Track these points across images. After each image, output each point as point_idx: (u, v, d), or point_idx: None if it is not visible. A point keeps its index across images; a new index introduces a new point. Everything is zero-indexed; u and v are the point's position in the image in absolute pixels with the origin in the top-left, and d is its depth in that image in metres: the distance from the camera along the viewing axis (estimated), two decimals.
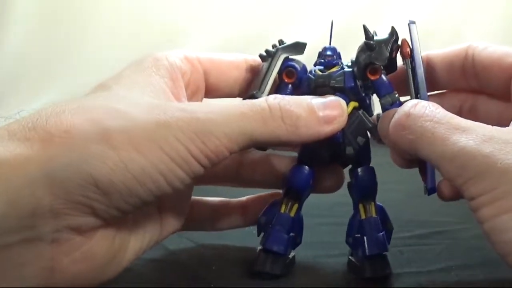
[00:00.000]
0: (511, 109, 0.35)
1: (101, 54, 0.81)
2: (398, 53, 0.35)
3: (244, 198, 0.41)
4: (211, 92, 0.37)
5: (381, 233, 0.35)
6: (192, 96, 0.36)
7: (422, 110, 0.30)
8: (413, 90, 0.34)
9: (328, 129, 0.32)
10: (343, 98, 0.34)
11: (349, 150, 0.35)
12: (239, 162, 0.39)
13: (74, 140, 0.26)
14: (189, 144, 0.28)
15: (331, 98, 0.33)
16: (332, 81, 0.35)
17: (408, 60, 0.34)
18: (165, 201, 0.34)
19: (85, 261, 0.28)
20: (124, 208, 0.28)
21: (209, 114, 0.29)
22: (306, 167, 0.36)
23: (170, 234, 0.36)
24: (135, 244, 0.32)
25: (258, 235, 0.37)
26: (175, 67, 0.34)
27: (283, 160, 0.39)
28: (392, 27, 0.35)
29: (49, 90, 0.79)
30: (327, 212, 0.46)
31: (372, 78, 0.35)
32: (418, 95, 0.33)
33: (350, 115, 0.34)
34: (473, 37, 0.87)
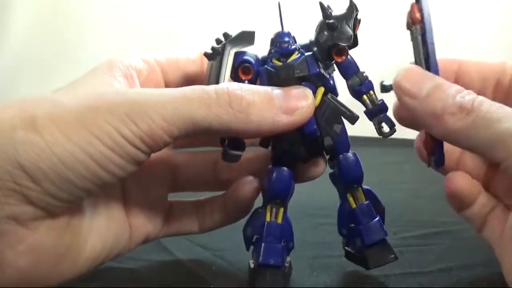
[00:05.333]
0: None
1: (101, 54, 0.80)
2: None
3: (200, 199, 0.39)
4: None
5: (376, 219, 0.34)
6: None
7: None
8: (422, 58, 0.32)
9: (287, 119, 0.30)
10: (309, 87, 0.32)
11: (328, 140, 0.33)
12: (214, 162, 0.37)
13: (2, 128, 0.27)
14: (120, 125, 0.27)
15: (295, 88, 0.31)
16: (296, 71, 0.32)
17: (418, 26, 0.32)
18: (131, 202, 0.34)
19: (31, 254, 0.28)
20: (60, 196, 0.27)
21: (145, 96, 0.28)
22: (285, 170, 0.34)
23: (144, 238, 0.35)
24: (95, 243, 0.31)
25: (248, 250, 0.35)
26: (129, 67, 0.33)
27: (259, 156, 0.37)
28: (350, 1, 0.32)
29: (49, 90, 0.79)
30: (327, 212, 0.46)
31: (339, 60, 0.32)
32: (429, 64, 0.31)
33: (321, 103, 0.32)
34: (472, 36, 0.86)
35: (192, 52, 0.37)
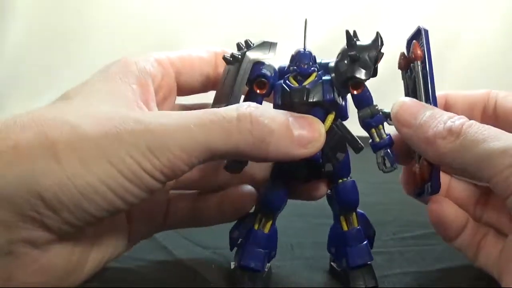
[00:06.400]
0: None
1: (101, 54, 0.80)
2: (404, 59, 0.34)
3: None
4: (184, 90, 0.36)
5: (364, 243, 0.35)
6: (164, 99, 0.35)
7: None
8: (422, 92, 0.33)
9: (300, 152, 0.30)
10: (321, 112, 0.32)
11: (328, 167, 0.33)
12: (217, 167, 0.37)
13: (22, 155, 0.26)
14: (141, 159, 0.27)
15: (309, 119, 0.31)
16: (310, 95, 0.32)
17: (419, 62, 0.33)
18: (135, 211, 0.34)
19: (42, 274, 0.28)
20: (76, 224, 0.27)
21: (165, 126, 0.28)
22: (281, 188, 0.34)
23: (142, 237, 0.36)
24: (96, 256, 0.31)
25: (231, 250, 0.36)
26: (144, 72, 0.32)
27: (260, 167, 0.37)
28: (377, 33, 0.32)
29: (49, 90, 0.79)
30: (325, 212, 0.46)
31: (355, 92, 0.32)
32: (428, 97, 0.33)
33: (329, 130, 0.32)
34: (473, 36, 0.87)
35: (204, 51, 0.36)
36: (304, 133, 0.30)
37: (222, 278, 0.36)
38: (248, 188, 0.36)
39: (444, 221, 0.34)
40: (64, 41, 0.85)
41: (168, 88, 0.35)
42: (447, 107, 0.37)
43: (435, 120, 0.31)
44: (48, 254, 0.28)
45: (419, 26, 0.34)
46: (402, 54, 0.35)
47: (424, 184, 0.34)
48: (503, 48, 0.86)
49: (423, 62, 0.33)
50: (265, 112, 0.30)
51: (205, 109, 0.30)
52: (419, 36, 0.34)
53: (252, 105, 0.30)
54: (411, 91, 0.35)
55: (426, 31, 0.33)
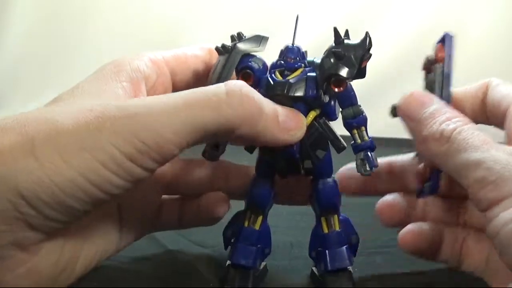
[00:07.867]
0: None
1: (101, 54, 0.80)
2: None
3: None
4: (179, 89, 0.35)
5: (343, 247, 0.34)
6: None
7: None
8: (439, 92, 0.33)
9: (284, 137, 0.31)
10: (303, 108, 0.32)
11: (308, 163, 0.33)
12: (211, 172, 0.37)
13: (4, 155, 0.26)
14: (126, 147, 0.26)
15: (292, 110, 0.32)
16: (292, 89, 0.32)
17: (439, 65, 0.34)
18: (125, 207, 0.34)
19: (31, 276, 0.28)
20: (60, 219, 0.27)
21: (151, 109, 0.27)
22: (266, 184, 0.34)
23: (132, 241, 0.36)
24: (88, 253, 0.31)
25: (226, 249, 0.36)
26: (136, 71, 0.32)
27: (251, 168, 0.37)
28: (366, 33, 0.31)
29: (49, 90, 0.79)
30: None
31: (336, 90, 0.32)
32: (442, 94, 0.33)
33: (310, 126, 0.32)
34: (475, 35, 0.86)
35: (199, 49, 0.36)
36: (288, 120, 0.31)
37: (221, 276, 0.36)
38: (220, 195, 0.37)
39: (419, 253, 0.35)
40: (64, 41, 0.85)
41: (163, 88, 0.35)
42: (456, 105, 0.36)
43: (434, 119, 0.31)
44: (37, 256, 0.28)
45: (445, 32, 0.34)
46: (427, 57, 0.35)
47: (424, 183, 0.34)
48: (507, 44, 0.86)
49: (443, 64, 0.34)
50: (255, 92, 0.30)
51: (192, 89, 0.29)
52: (444, 40, 0.34)
53: (239, 82, 0.30)
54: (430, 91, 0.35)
55: (450, 37, 0.34)
